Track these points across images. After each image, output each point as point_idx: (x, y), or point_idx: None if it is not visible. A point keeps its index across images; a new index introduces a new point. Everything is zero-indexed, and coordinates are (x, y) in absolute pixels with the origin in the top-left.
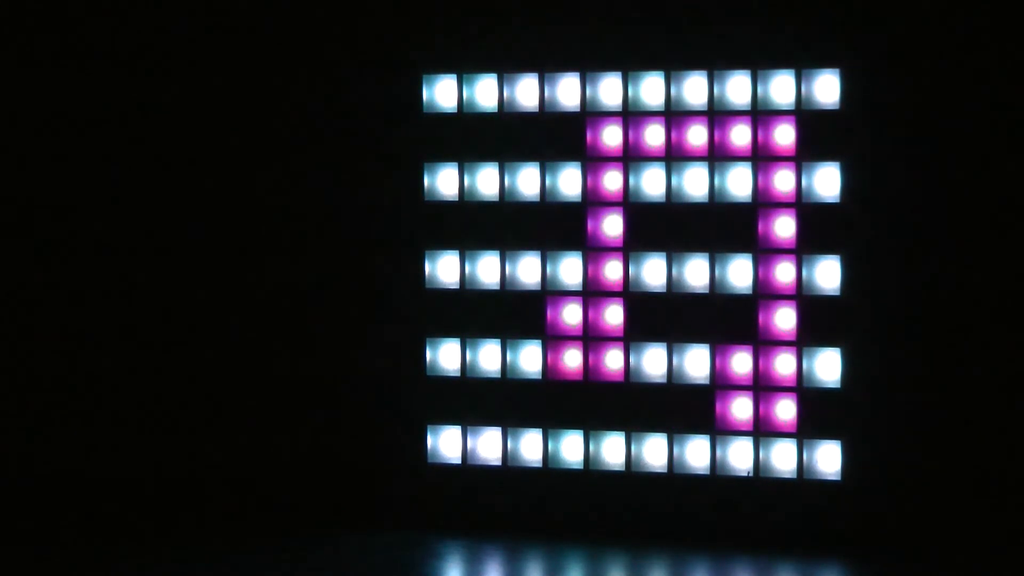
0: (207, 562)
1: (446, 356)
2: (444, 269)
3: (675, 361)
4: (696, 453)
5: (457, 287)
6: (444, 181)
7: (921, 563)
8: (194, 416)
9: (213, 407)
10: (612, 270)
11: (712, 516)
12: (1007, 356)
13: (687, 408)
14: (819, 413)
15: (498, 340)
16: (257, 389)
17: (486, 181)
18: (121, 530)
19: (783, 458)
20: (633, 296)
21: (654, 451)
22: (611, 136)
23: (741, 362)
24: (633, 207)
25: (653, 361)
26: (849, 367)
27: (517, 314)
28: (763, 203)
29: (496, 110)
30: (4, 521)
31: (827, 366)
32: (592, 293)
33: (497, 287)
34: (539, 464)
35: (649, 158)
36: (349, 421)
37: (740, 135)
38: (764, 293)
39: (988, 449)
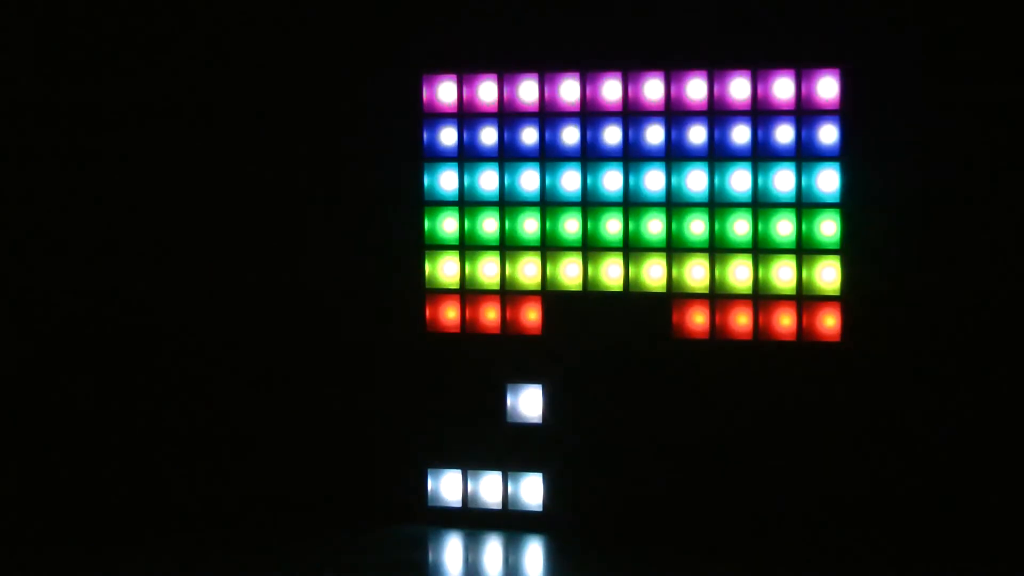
0: (210, 564)
1: (445, 355)
2: (444, 269)
3: None
4: None
5: (457, 287)
6: (444, 181)
7: (920, 563)
8: (193, 415)
9: (211, 406)
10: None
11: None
12: (1007, 356)
13: None
14: (819, 413)
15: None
16: (255, 388)
17: (486, 181)
18: (121, 530)
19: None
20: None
21: None
22: (611, 136)
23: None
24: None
25: None
26: (849, 367)
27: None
28: (763, 203)
29: (496, 110)
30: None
31: (827, 366)
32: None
33: (497, 287)
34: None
35: (650, 158)
36: (347, 420)
37: (740, 135)
38: (763, 293)
39: (989, 449)
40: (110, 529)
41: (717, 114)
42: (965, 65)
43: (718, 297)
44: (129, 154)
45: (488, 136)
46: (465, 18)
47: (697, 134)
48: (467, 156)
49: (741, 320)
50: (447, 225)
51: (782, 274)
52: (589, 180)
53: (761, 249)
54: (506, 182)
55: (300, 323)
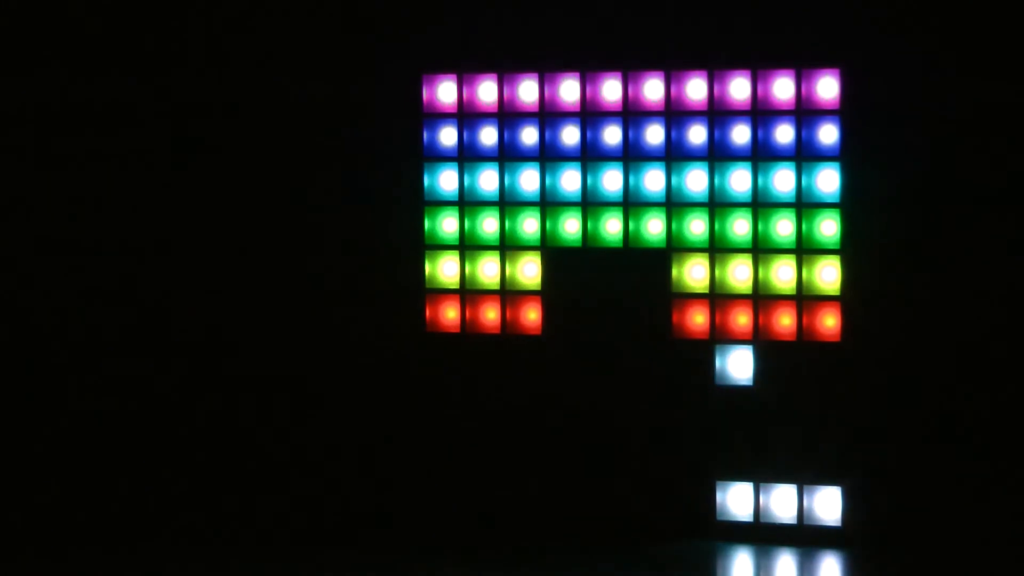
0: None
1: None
2: (444, 269)
3: None
4: None
5: (457, 287)
6: (444, 181)
7: (921, 562)
8: (192, 413)
9: (211, 402)
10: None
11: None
12: (1007, 356)
13: None
14: (819, 414)
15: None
16: (253, 388)
17: (486, 181)
18: (128, 528)
19: None
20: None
21: None
22: (611, 136)
23: None
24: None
25: None
26: (848, 367)
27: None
28: (763, 203)
29: (496, 110)
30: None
31: (827, 366)
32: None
33: (497, 287)
34: None
35: (650, 158)
36: (343, 418)
37: (740, 135)
38: (763, 293)
39: (989, 449)
40: (119, 525)
41: (717, 114)
42: (965, 65)
43: (718, 297)
44: (127, 154)
45: (488, 136)
46: (465, 18)
47: (697, 134)
48: (467, 156)
49: (741, 320)
50: (447, 225)
51: (782, 274)
52: (589, 180)
53: (761, 249)
54: (506, 182)
55: (297, 322)
